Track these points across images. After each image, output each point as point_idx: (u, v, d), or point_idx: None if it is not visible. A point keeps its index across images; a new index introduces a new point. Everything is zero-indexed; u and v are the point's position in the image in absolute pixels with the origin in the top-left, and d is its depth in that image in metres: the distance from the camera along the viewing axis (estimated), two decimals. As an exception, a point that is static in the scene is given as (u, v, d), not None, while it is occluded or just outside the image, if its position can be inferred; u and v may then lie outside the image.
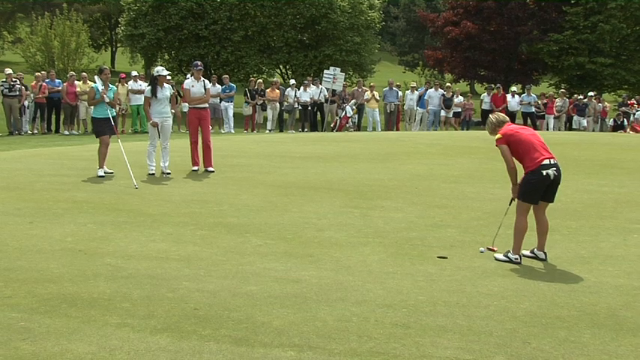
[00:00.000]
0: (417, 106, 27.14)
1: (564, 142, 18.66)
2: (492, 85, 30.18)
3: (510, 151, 7.76)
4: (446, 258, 7.66)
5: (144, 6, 35.37)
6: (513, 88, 30.40)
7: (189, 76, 13.77)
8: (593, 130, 27.46)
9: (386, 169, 13.80)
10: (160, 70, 12.94)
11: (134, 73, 24.68)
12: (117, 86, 24.33)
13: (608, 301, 6.44)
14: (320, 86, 26.58)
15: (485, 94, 28.70)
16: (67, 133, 23.18)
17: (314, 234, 8.69)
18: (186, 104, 13.70)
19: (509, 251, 7.78)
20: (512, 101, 27.53)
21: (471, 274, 7.16)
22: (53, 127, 23.76)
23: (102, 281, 6.54)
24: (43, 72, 25.25)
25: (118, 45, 57.55)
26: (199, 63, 13.72)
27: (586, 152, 16.75)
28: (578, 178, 13.02)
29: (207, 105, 13.49)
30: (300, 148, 17.01)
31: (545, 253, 7.84)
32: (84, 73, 25.34)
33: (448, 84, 32.51)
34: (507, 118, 8.14)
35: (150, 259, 7.35)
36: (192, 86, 13.21)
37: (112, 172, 12.46)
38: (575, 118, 27.63)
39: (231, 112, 25.44)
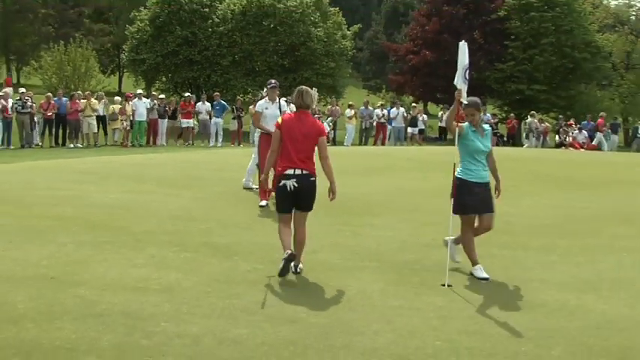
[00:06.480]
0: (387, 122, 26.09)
1: (523, 159, 17.08)
2: (448, 106, 28.99)
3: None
4: (451, 286, 5.91)
5: (145, 35, 35.26)
6: (467, 108, 29.21)
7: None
8: (536, 147, 26.15)
9: (368, 183, 12.00)
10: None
11: (139, 91, 23.86)
12: (123, 103, 22.63)
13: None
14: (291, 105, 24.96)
15: (441, 112, 27.75)
16: (72, 146, 21.41)
17: (305, 256, 6.88)
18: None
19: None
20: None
21: (485, 309, 5.40)
22: (60, 141, 21.88)
23: (68, 322, 4.67)
24: (51, 93, 23.71)
25: (125, 70, 55.79)
26: (273, 80, 10.05)
27: (545, 168, 15.10)
28: (550, 194, 11.39)
29: None
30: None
31: (298, 267, 6.11)
32: (88, 92, 24.34)
33: (414, 104, 31.76)
34: (311, 104, 6.05)
35: (127, 289, 5.47)
36: (267, 108, 9.66)
37: None
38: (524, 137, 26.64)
39: (220, 128, 24.09)
